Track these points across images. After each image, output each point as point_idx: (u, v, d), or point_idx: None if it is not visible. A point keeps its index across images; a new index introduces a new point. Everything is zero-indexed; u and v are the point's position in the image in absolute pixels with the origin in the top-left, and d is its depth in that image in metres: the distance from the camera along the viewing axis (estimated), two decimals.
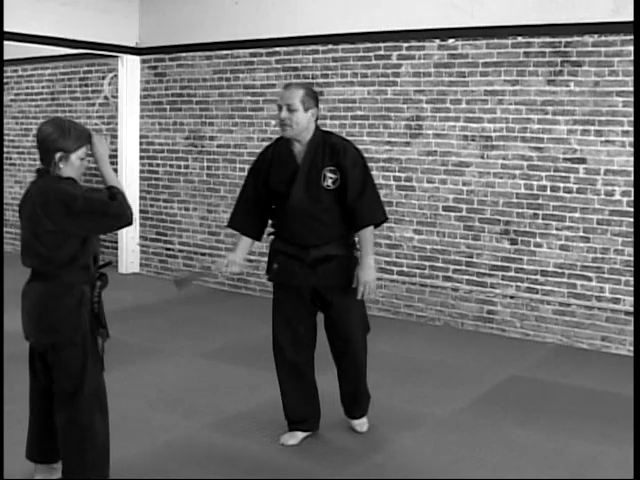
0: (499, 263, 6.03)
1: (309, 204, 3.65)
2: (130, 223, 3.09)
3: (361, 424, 4.06)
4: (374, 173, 6.47)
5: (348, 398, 4.04)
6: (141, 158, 8.08)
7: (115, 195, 3.02)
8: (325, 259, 3.70)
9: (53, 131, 2.98)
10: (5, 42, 6.72)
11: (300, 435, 3.91)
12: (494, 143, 5.97)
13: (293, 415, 3.91)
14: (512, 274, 5.98)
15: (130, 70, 7.96)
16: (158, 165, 7.96)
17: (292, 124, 3.60)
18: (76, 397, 3.08)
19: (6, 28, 6.31)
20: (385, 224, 6.14)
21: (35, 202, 3.00)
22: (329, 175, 3.64)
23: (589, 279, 5.67)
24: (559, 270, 5.78)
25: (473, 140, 6.06)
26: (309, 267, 3.69)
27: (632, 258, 5.45)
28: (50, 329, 3.06)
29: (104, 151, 3.18)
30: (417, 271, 6.41)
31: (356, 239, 3.82)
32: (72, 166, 3.05)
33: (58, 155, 2.99)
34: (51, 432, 3.21)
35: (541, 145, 5.78)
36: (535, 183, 5.82)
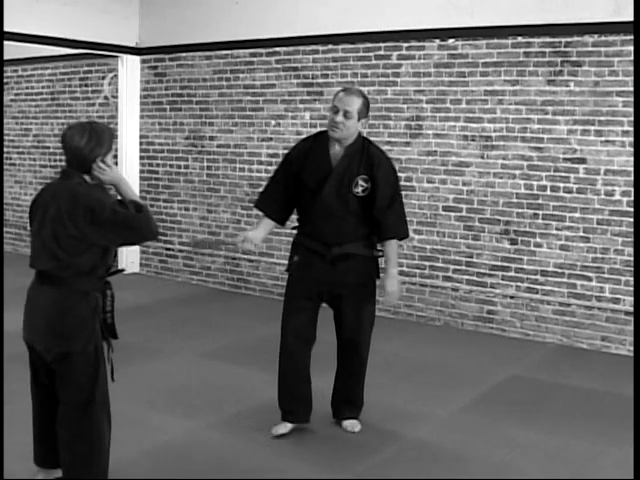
0: (499, 263, 6.03)
1: (337, 205, 3.76)
2: (155, 239, 3.15)
3: (353, 424, 4.06)
4: None
5: (343, 397, 4.08)
6: (141, 158, 8.08)
7: (142, 209, 3.02)
8: (346, 257, 3.81)
9: (88, 139, 2.96)
10: (5, 42, 6.72)
11: (290, 426, 3.98)
12: (494, 143, 5.97)
13: (286, 406, 3.99)
14: (512, 274, 5.98)
15: (130, 70, 7.96)
16: (158, 165, 7.96)
17: (344, 129, 3.72)
18: (88, 408, 3.04)
19: (6, 28, 6.30)
20: None
21: (61, 204, 2.94)
22: (361, 183, 3.76)
23: (589, 279, 5.67)
24: (559, 270, 5.78)
25: (473, 140, 6.06)
26: (329, 264, 3.81)
27: (632, 258, 5.45)
28: (64, 337, 2.99)
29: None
30: (417, 271, 6.41)
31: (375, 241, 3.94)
32: (101, 163, 3.04)
33: (97, 160, 2.99)
34: (53, 440, 3.16)
35: (541, 145, 5.78)
36: (535, 183, 5.82)
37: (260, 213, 4.02)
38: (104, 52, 7.77)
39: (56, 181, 3.09)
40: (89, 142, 2.95)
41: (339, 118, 3.69)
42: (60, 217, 2.93)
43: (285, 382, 3.97)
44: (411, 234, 6.41)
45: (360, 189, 3.76)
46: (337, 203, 3.76)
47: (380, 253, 3.93)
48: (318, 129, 6.57)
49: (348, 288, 3.85)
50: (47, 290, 3.00)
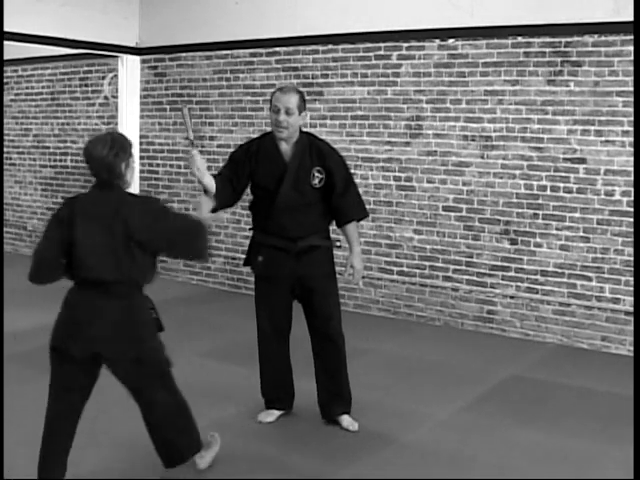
0: (499, 263, 6.03)
1: (297, 200, 3.88)
2: (205, 258, 3.41)
3: (351, 422, 4.07)
4: (374, 173, 6.56)
5: (330, 392, 4.09)
6: (141, 158, 8.08)
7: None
8: (309, 249, 3.93)
9: (110, 149, 3.03)
10: (5, 42, 6.72)
11: (276, 413, 4.16)
12: (494, 143, 5.97)
13: (270, 394, 4.16)
14: (512, 274, 5.98)
15: (130, 70, 7.96)
16: (158, 165, 7.96)
17: (289, 126, 3.83)
18: (161, 405, 3.24)
19: (6, 28, 6.31)
20: (385, 224, 6.14)
21: (125, 215, 3.02)
22: (317, 175, 3.90)
23: (589, 279, 5.67)
24: (559, 270, 5.78)
25: (473, 140, 6.06)
26: (294, 258, 3.91)
27: (632, 258, 5.45)
28: (137, 341, 3.12)
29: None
30: (417, 271, 6.41)
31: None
32: (132, 170, 3.15)
33: (123, 165, 3.07)
34: (64, 453, 3.22)
35: (541, 145, 5.78)
36: (535, 183, 5.82)
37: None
38: (104, 52, 7.77)
39: (98, 193, 3.11)
40: (112, 149, 3.03)
41: (282, 117, 3.82)
42: (125, 227, 3.00)
43: (267, 373, 4.13)
44: (411, 234, 6.43)
45: (317, 180, 3.89)
46: (296, 198, 3.88)
47: (338, 244, 4.10)
48: (318, 129, 6.58)
49: (315, 280, 3.97)
50: (114, 300, 3.06)
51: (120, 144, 3.07)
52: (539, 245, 5.85)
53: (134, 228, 3.02)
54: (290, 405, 4.21)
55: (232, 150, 7.57)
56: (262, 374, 4.15)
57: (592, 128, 5.57)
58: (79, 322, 3.08)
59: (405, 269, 6.46)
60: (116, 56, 7.91)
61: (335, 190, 3.91)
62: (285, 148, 3.91)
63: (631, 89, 5.36)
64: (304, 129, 4.04)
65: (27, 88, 9.20)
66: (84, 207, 3.07)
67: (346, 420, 4.06)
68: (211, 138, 7.52)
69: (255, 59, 7.18)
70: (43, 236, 3.11)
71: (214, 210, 3.83)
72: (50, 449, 3.21)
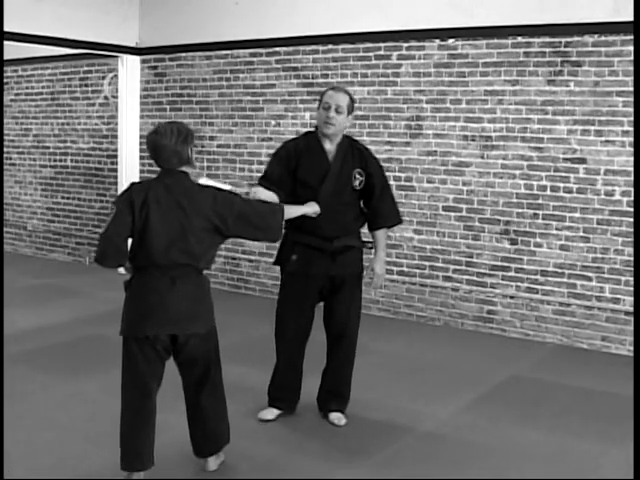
0: (499, 263, 6.03)
1: (336, 199, 3.92)
2: (278, 238, 3.54)
3: (339, 417, 4.12)
4: None
5: (332, 389, 4.15)
6: (141, 158, 8.08)
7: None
8: (343, 249, 3.97)
9: (177, 136, 3.21)
10: (5, 42, 6.72)
11: (276, 412, 4.17)
12: (494, 143, 5.97)
13: (275, 393, 4.18)
14: (512, 274, 5.98)
15: (130, 70, 7.96)
16: None
17: (337, 124, 3.90)
18: (218, 376, 3.44)
19: (6, 28, 6.31)
20: None
21: (196, 200, 3.19)
22: (358, 176, 3.97)
23: (589, 279, 5.67)
24: (559, 270, 5.78)
25: (473, 140, 6.06)
26: (329, 257, 3.95)
27: (632, 258, 5.46)
28: (208, 317, 3.31)
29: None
30: (417, 271, 6.41)
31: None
32: (193, 155, 3.35)
33: (190, 152, 3.27)
34: (147, 440, 3.30)
35: (541, 145, 5.78)
36: (535, 183, 5.82)
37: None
38: (104, 52, 7.77)
39: (168, 181, 3.23)
40: (179, 137, 3.21)
41: (332, 114, 3.89)
42: (199, 212, 3.17)
43: (279, 375, 4.16)
44: (411, 234, 6.43)
45: (357, 182, 3.96)
46: (336, 197, 3.91)
47: (370, 245, 4.11)
48: (311, 129, 6.57)
49: (345, 280, 4.01)
50: (187, 281, 3.21)
51: (186, 131, 3.25)
52: (539, 245, 5.85)
53: (210, 213, 3.18)
54: (293, 408, 4.21)
55: (232, 150, 7.63)
56: (275, 372, 4.18)
57: (592, 128, 5.57)
58: (154, 307, 3.18)
59: (405, 269, 6.46)
60: (116, 56, 7.91)
61: (374, 193, 3.99)
62: (329, 147, 3.96)
63: (631, 89, 5.36)
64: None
65: (27, 88, 9.20)
66: (157, 194, 3.18)
67: (336, 417, 4.12)
68: (211, 138, 7.52)
69: (255, 59, 7.18)
70: (113, 220, 3.17)
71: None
72: (139, 439, 3.27)
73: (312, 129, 4.11)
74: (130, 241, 3.20)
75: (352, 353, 4.14)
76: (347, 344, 4.10)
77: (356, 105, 6.55)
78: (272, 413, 4.16)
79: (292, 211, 3.63)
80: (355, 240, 4.03)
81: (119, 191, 7.62)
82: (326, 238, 3.93)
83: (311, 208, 3.77)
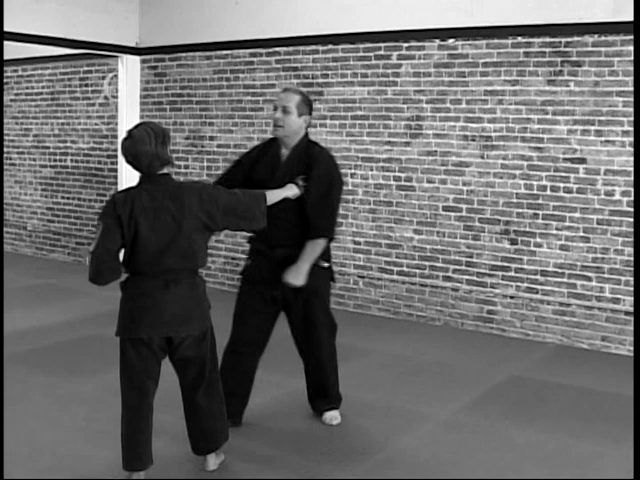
0: (499, 263, 6.03)
1: (278, 206, 3.69)
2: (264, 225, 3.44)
3: (331, 417, 4.11)
4: (374, 173, 6.56)
5: (314, 390, 4.14)
6: None
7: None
8: (292, 260, 3.79)
9: (149, 141, 3.12)
10: (5, 42, 6.72)
11: None
12: (494, 143, 5.97)
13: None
14: (512, 274, 5.98)
15: (130, 70, 7.96)
16: None
17: (284, 125, 3.79)
18: (214, 375, 3.41)
19: (6, 28, 6.31)
20: (385, 224, 6.16)
21: (185, 202, 3.15)
22: (300, 184, 3.76)
23: (589, 279, 5.67)
24: (559, 270, 5.78)
25: (473, 140, 6.06)
26: (276, 265, 3.83)
27: (632, 258, 5.46)
28: (203, 318, 3.30)
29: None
30: (417, 271, 6.41)
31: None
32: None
33: (168, 151, 3.20)
34: (147, 440, 3.31)
35: (541, 145, 5.78)
36: (535, 183, 5.82)
37: None
38: (104, 52, 7.77)
39: (149, 185, 3.18)
40: (157, 139, 3.14)
41: (278, 114, 3.81)
42: (188, 214, 3.14)
43: (226, 380, 3.87)
44: (411, 234, 6.43)
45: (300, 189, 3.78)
46: (277, 203, 3.72)
47: (326, 264, 3.93)
48: (319, 129, 6.59)
49: (296, 291, 3.82)
50: (183, 284, 3.21)
51: (162, 132, 3.18)
52: (539, 245, 5.85)
53: (199, 212, 3.16)
54: (234, 417, 3.92)
55: (232, 150, 7.63)
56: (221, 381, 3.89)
57: (592, 128, 5.57)
58: (148, 310, 3.18)
59: (405, 269, 6.46)
60: (116, 56, 7.91)
61: (308, 200, 3.76)
62: (284, 152, 3.88)
63: (631, 89, 5.36)
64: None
65: (27, 88, 9.20)
66: (143, 204, 3.13)
67: (327, 415, 4.11)
68: (211, 138, 7.52)
69: (255, 59, 7.18)
70: (101, 237, 3.12)
71: None
72: (138, 439, 3.28)
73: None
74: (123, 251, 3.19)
75: (325, 357, 4.04)
76: (317, 351, 4.01)
77: (356, 105, 6.64)
78: None
79: (273, 197, 3.54)
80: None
81: None
82: (269, 245, 3.85)
83: (291, 191, 3.66)
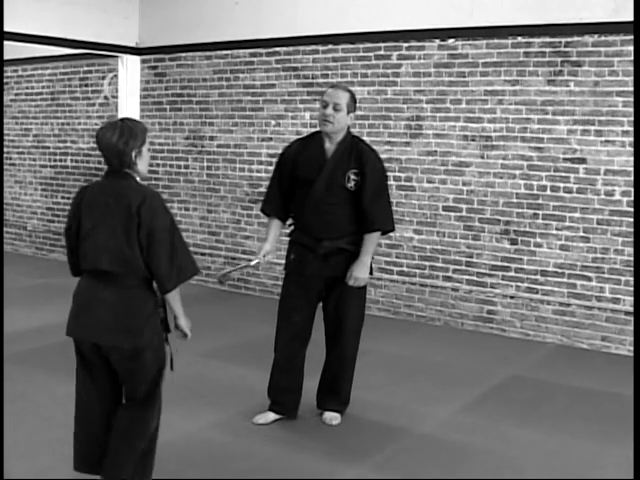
0: (499, 263, 6.03)
1: (327, 198, 3.88)
2: (166, 292, 3.10)
3: (331, 417, 4.12)
4: None
5: (328, 388, 4.15)
6: None
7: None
8: (336, 252, 3.92)
9: (120, 134, 2.96)
10: (5, 42, 6.72)
11: (272, 417, 4.10)
12: (494, 143, 5.97)
13: (274, 395, 4.12)
14: (512, 274, 5.98)
15: (130, 70, 7.96)
16: (158, 165, 7.97)
17: (334, 122, 3.86)
18: (149, 402, 3.12)
19: (6, 28, 6.31)
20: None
21: (132, 203, 2.92)
22: (352, 177, 3.88)
23: (589, 279, 5.67)
24: (559, 270, 5.78)
25: (473, 140, 6.06)
26: (322, 258, 3.91)
27: (632, 258, 5.46)
28: (135, 333, 2.99)
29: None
30: (417, 271, 6.41)
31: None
32: (144, 159, 3.05)
33: (134, 153, 2.99)
34: (102, 443, 3.12)
35: (541, 145, 5.78)
36: (535, 183, 5.82)
37: (266, 219, 4.11)
38: (104, 52, 7.77)
39: (106, 181, 3.05)
40: (121, 137, 2.96)
41: (329, 111, 3.86)
42: (131, 217, 2.91)
43: (276, 376, 4.10)
44: (411, 234, 6.43)
45: (352, 183, 3.88)
46: (328, 196, 3.89)
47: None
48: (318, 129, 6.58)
49: (339, 282, 3.94)
50: (113, 289, 2.98)
51: (130, 131, 2.98)
52: (539, 245, 5.85)
53: (135, 212, 2.92)
54: (293, 412, 4.13)
55: (232, 150, 7.63)
56: (272, 373, 4.12)
57: (592, 128, 5.57)
58: (81, 311, 3.04)
59: (405, 269, 6.46)
60: (116, 56, 7.91)
61: (364, 194, 3.87)
62: (328, 146, 3.94)
63: (631, 89, 5.37)
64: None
65: (27, 88, 9.20)
66: (91, 196, 3.02)
67: (328, 415, 4.12)
68: (211, 138, 7.52)
69: (255, 59, 7.18)
70: (64, 230, 3.11)
71: (284, 221, 4.08)
72: (82, 438, 3.16)
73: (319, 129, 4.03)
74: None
75: (349, 352, 4.09)
76: (342, 343, 4.06)
77: (356, 105, 6.62)
78: (267, 418, 4.09)
79: (176, 300, 3.21)
80: (350, 245, 3.93)
81: None
82: (316, 238, 3.91)
83: (183, 321, 3.32)
